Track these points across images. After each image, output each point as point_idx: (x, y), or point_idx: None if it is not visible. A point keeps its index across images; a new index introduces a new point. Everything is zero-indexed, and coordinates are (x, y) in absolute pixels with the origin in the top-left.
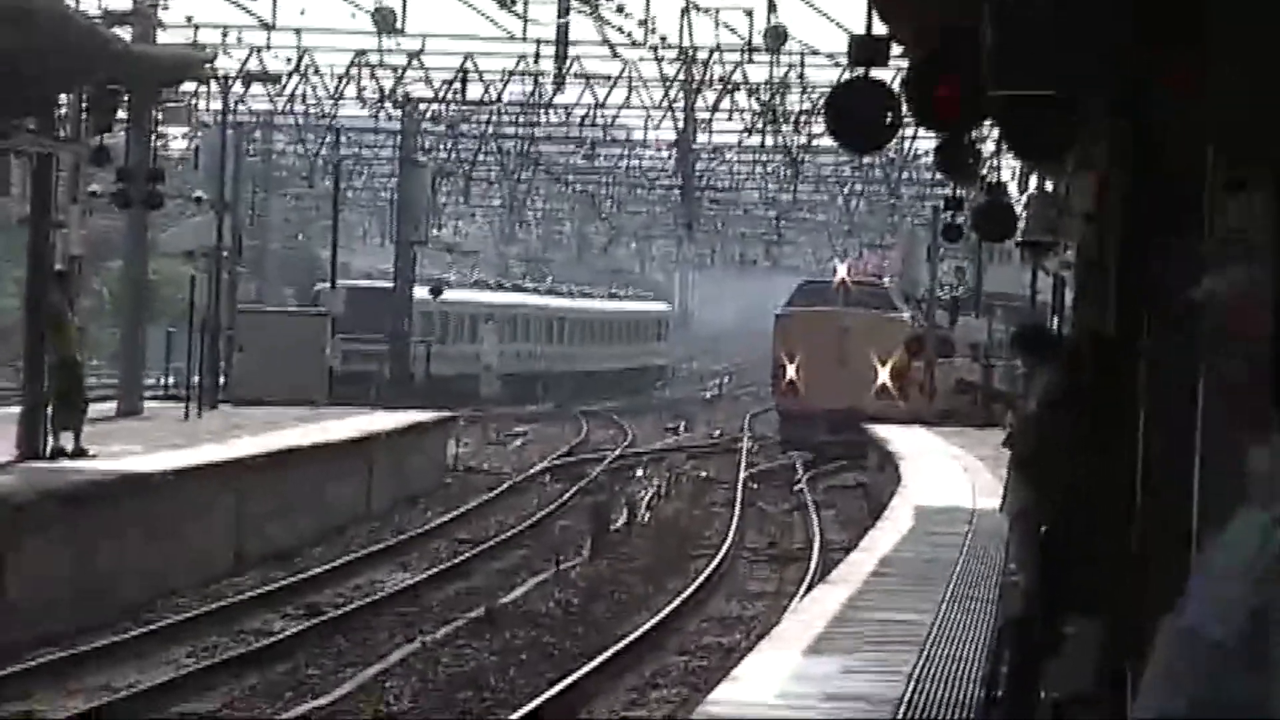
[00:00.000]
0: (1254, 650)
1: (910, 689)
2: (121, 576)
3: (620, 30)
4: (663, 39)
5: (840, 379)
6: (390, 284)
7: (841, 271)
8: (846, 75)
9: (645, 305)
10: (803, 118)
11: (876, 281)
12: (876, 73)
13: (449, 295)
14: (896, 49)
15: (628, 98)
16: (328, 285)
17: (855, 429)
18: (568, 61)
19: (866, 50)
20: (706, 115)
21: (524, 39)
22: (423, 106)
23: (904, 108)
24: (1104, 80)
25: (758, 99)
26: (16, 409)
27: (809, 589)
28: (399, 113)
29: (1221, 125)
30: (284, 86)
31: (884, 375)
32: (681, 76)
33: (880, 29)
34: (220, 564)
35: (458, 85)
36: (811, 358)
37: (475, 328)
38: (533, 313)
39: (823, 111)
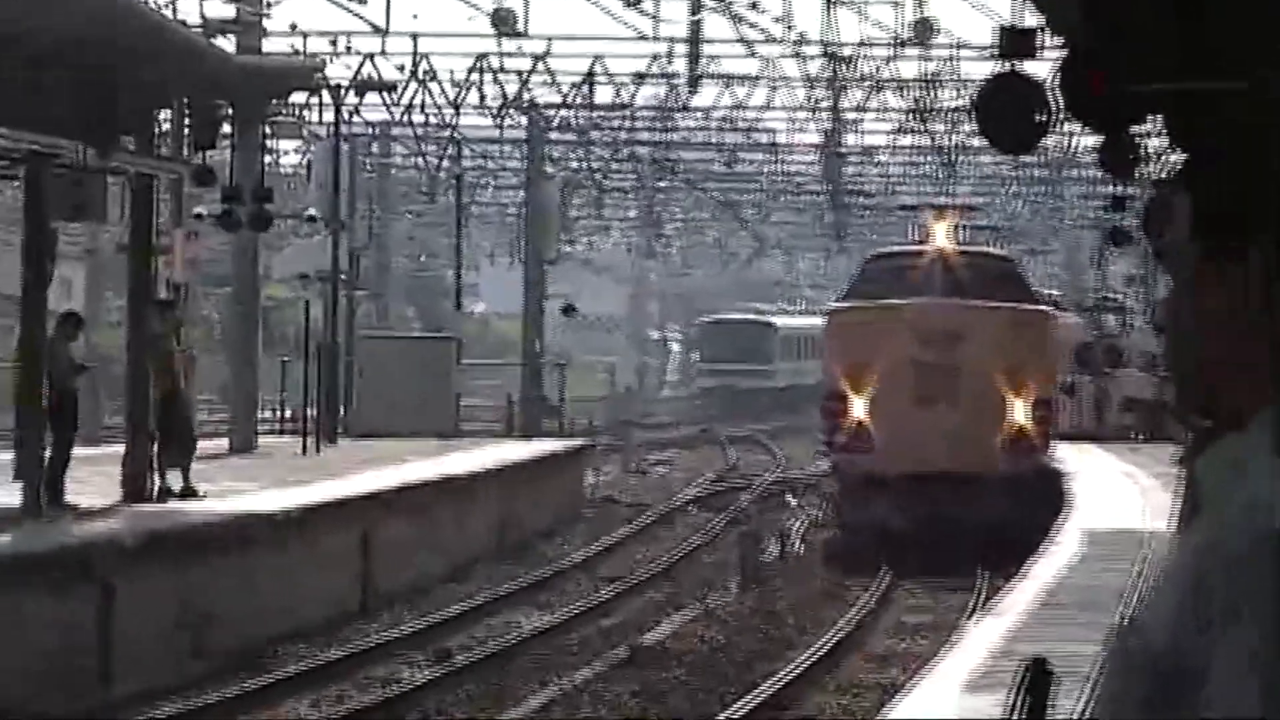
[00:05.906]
0: None
1: None
2: (237, 623)
3: (756, 27)
4: (803, 35)
5: (943, 422)
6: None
7: (940, 236)
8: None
9: None
10: (956, 115)
11: (999, 252)
12: (1028, 67)
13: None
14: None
15: (769, 99)
16: (709, 318)
17: (987, 505)
18: (702, 61)
19: (1014, 43)
20: (854, 115)
21: (655, 38)
22: (550, 113)
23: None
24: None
25: (908, 96)
26: (121, 447)
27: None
28: (524, 120)
29: None
30: (400, 95)
31: (1021, 413)
32: (826, 74)
33: (1031, 20)
34: (346, 607)
35: (586, 89)
36: (892, 386)
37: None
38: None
39: (971, 111)
